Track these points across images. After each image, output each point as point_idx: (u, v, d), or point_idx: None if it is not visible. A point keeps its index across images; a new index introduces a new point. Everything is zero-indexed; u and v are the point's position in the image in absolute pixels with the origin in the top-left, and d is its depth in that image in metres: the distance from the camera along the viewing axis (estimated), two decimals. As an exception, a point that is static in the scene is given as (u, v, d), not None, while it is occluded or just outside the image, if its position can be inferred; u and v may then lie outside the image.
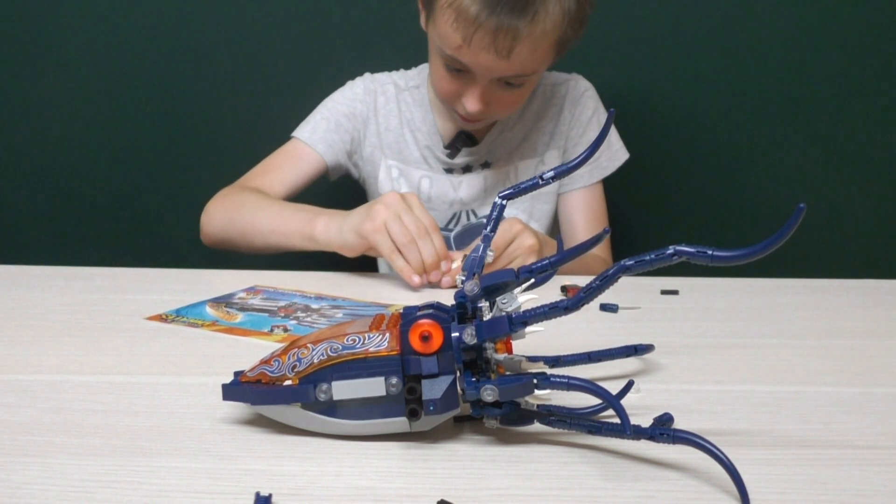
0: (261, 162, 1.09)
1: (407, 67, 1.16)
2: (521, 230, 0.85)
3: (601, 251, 1.09)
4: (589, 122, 1.11)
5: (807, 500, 0.37)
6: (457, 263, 0.81)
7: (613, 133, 1.14)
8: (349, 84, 1.14)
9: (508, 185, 1.08)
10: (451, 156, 1.09)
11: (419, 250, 0.80)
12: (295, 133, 1.10)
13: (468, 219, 1.11)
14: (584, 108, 1.11)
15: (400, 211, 0.81)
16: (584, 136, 1.11)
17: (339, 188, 1.17)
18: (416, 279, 0.80)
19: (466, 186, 1.09)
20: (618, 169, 1.13)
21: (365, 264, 1.11)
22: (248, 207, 0.97)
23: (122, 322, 0.65)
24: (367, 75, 1.14)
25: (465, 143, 1.09)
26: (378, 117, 1.11)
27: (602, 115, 1.12)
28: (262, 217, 0.95)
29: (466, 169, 1.10)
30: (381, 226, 0.80)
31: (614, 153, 1.13)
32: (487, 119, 1.01)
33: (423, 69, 1.14)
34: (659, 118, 1.30)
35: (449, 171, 1.10)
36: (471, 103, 0.94)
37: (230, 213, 1.00)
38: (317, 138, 1.08)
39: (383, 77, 1.14)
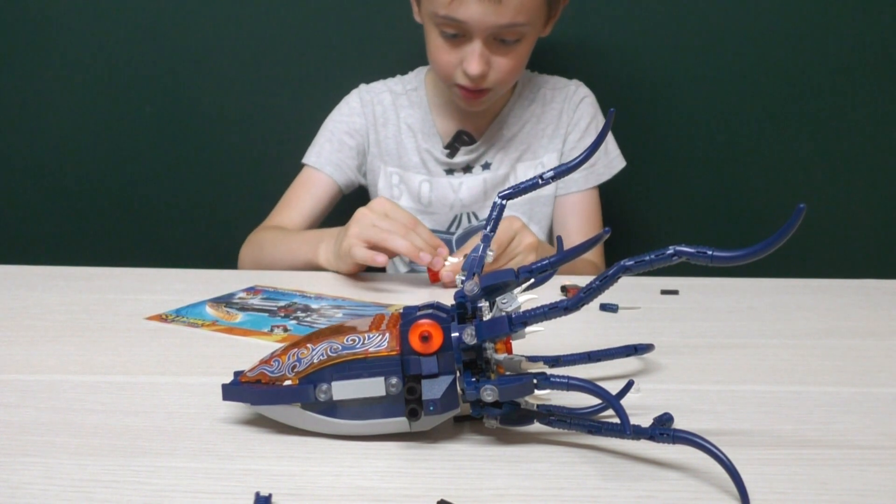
0: (282, 197, 1.12)
1: (404, 73, 1.17)
2: (520, 227, 0.85)
3: (593, 255, 1.09)
4: (587, 127, 1.11)
5: (807, 500, 0.37)
6: (456, 260, 0.81)
7: (611, 140, 1.14)
8: (345, 100, 1.15)
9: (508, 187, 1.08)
10: (451, 155, 1.09)
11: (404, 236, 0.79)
12: (304, 159, 1.13)
13: (469, 221, 1.11)
14: (582, 114, 1.12)
15: (373, 220, 0.81)
16: (582, 141, 1.11)
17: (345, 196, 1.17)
18: (426, 256, 0.77)
19: (466, 188, 1.10)
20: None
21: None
22: (266, 248, 1.02)
23: (122, 322, 0.65)
24: (362, 86, 1.15)
25: (463, 142, 1.09)
26: (377, 126, 1.12)
27: (600, 122, 1.13)
28: (277, 254, 0.98)
29: (467, 169, 1.10)
30: (348, 248, 0.79)
31: (611, 160, 1.13)
32: (490, 91, 1.00)
33: (420, 72, 1.15)
34: (658, 116, 1.30)
35: (449, 172, 1.10)
36: (472, 65, 0.94)
37: (254, 255, 1.04)
38: (324, 161, 1.11)
39: (378, 86, 1.15)
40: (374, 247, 0.79)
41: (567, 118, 1.11)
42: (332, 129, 1.13)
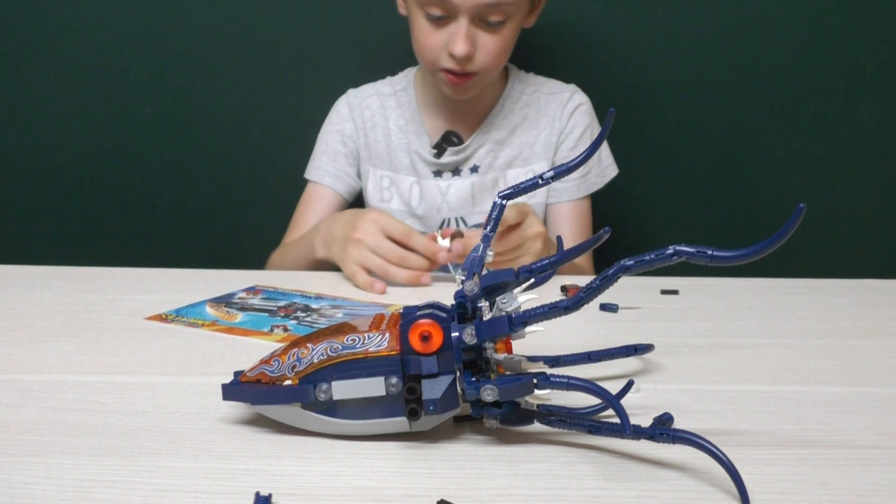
0: (293, 215, 1.14)
1: (395, 75, 1.17)
2: (531, 212, 0.85)
3: (582, 259, 1.08)
4: (581, 136, 1.11)
5: (807, 500, 0.37)
6: (445, 242, 0.82)
7: (605, 148, 1.14)
8: (334, 108, 1.16)
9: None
10: (438, 155, 1.09)
11: (406, 267, 0.82)
12: (305, 174, 1.14)
13: (457, 226, 1.11)
14: (577, 123, 1.10)
15: (371, 244, 0.82)
16: (575, 150, 1.10)
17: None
18: (427, 278, 0.82)
19: (454, 191, 1.09)
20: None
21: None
22: (275, 265, 1.06)
23: (122, 322, 0.65)
24: (350, 91, 1.15)
25: (451, 142, 1.09)
26: (366, 130, 1.13)
27: (595, 131, 1.12)
28: (287, 268, 1.01)
29: (455, 171, 1.10)
30: (351, 274, 0.82)
31: (604, 169, 1.13)
32: (476, 76, 0.99)
33: (410, 72, 1.15)
34: (656, 114, 1.30)
35: (437, 174, 1.10)
36: (458, 44, 0.95)
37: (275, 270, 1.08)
38: (322, 174, 1.13)
39: (366, 89, 1.15)
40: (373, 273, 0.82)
41: (560, 126, 1.10)
42: (326, 140, 1.14)
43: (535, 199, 1.10)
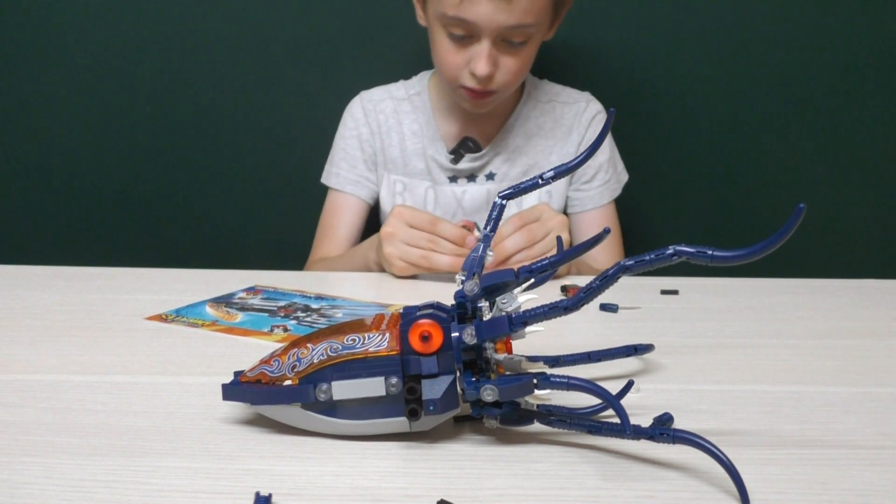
0: (317, 227, 1.14)
1: (408, 78, 1.16)
2: (544, 208, 0.86)
3: (608, 261, 1.08)
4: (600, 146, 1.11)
5: (807, 500, 0.37)
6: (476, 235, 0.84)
7: (616, 152, 1.14)
8: (348, 111, 1.14)
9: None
10: (455, 160, 1.09)
11: (441, 250, 0.83)
12: (323, 180, 1.14)
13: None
14: (594, 134, 1.11)
15: (403, 237, 0.83)
16: (593, 160, 1.10)
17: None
18: (471, 239, 0.83)
19: (470, 197, 1.09)
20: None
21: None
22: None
23: (122, 322, 0.65)
24: (363, 94, 1.14)
25: (468, 149, 1.09)
26: (381, 135, 1.12)
27: (611, 140, 1.12)
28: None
29: (471, 178, 1.09)
30: (392, 270, 0.84)
31: (619, 174, 1.14)
32: (495, 93, 0.99)
33: (424, 76, 1.14)
34: (656, 116, 1.30)
35: (453, 179, 1.10)
36: (480, 65, 0.94)
37: None
38: (343, 181, 1.12)
39: (379, 93, 1.14)
40: (415, 265, 0.83)
41: (577, 137, 1.10)
42: (344, 146, 1.13)
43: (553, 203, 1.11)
